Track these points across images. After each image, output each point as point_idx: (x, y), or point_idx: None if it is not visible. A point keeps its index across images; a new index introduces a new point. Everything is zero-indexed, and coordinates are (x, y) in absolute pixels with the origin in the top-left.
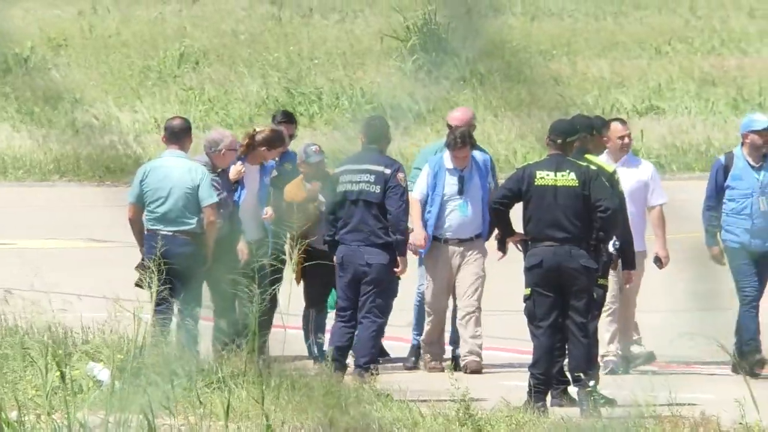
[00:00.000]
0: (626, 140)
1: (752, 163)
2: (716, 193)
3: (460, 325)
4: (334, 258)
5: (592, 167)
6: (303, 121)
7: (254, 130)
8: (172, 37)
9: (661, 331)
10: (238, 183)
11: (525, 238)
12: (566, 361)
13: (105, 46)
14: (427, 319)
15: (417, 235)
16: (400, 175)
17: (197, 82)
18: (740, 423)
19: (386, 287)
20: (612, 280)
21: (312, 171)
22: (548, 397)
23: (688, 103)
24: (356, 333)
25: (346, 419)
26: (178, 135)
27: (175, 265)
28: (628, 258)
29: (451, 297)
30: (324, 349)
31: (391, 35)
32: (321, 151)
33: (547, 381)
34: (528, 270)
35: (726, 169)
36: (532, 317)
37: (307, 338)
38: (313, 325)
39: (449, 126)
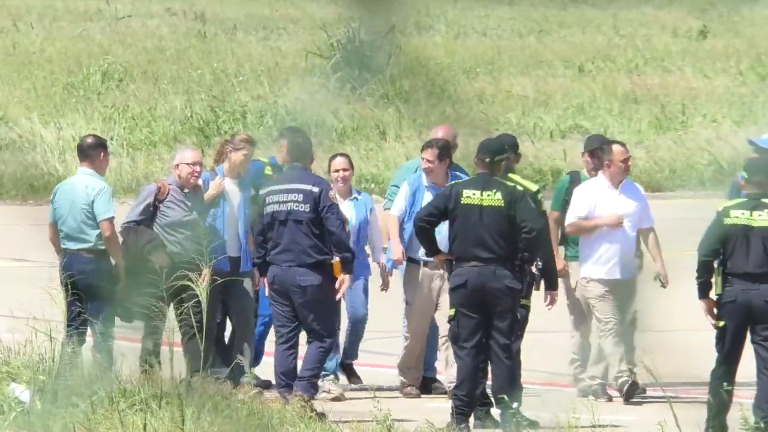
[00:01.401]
0: (628, 163)
1: None
2: None
3: (442, 350)
4: (264, 280)
5: (518, 187)
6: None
7: (229, 136)
8: (96, 54)
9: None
10: (222, 199)
11: (450, 257)
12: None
13: (28, 63)
14: (404, 344)
15: (395, 251)
16: (331, 194)
17: (121, 100)
18: None
19: (324, 308)
20: (608, 302)
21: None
22: (471, 419)
23: (611, 121)
24: (295, 354)
25: None
26: (87, 152)
27: (80, 283)
28: (551, 278)
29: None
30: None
31: (315, 52)
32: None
33: (470, 402)
34: (453, 290)
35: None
36: (455, 338)
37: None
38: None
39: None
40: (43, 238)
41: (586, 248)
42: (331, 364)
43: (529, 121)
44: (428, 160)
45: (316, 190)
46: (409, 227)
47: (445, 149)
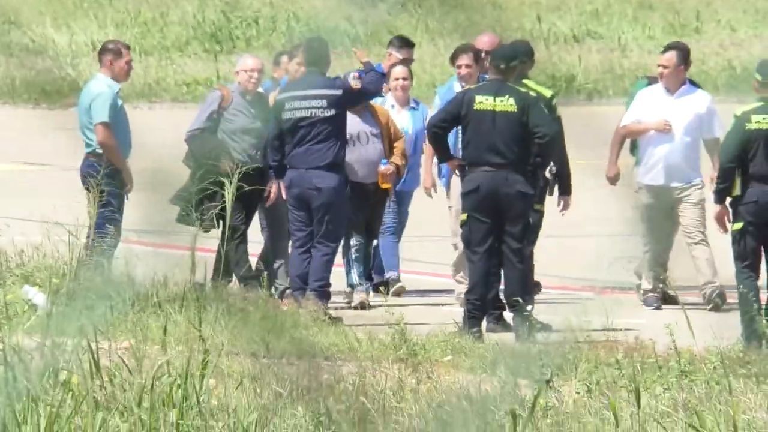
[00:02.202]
0: (680, 69)
1: None
2: None
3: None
4: (281, 183)
5: (531, 93)
6: (240, 45)
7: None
8: None
9: (596, 257)
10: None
11: (462, 162)
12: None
13: None
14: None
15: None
16: (352, 81)
17: (133, 5)
18: (671, 348)
19: (337, 211)
20: (695, 209)
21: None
22: (484, 323)
23: (625, 27)
24: (311, 258)
25: (282, 343)
26: (100, 56)
27: (86, 185)
28: (565, 184)
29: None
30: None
31: None
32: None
33: (482, 306)
34: (465, 195)
35: None
36: (468, 243)
37: (348, 269)
38: (355, 254)
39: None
40: (57, 144)
41: (640, 153)
42: (352, 276)
43: (544, 27)
44: (466, 65)
45: (338, 93)
46: (452, 137)
47: (478, 53)
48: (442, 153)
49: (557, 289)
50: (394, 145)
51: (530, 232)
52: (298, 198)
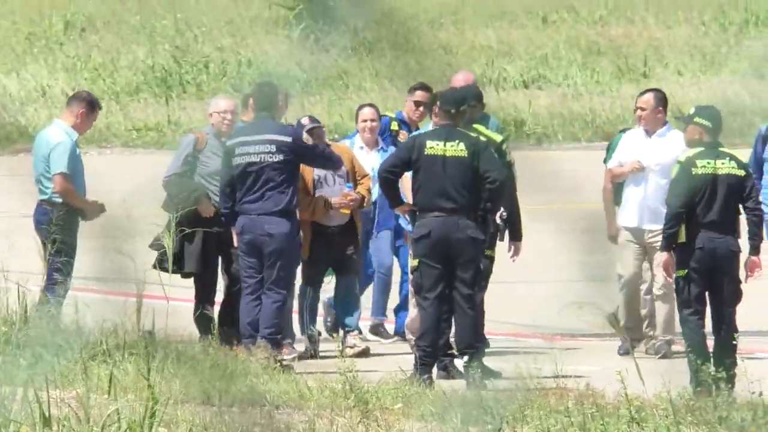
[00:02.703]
0: (658, 111)
1: None
2: (756, 165)
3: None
4: (233, 230)
5: (482, 138)
6: (190, 89)
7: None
8: (58, 4)
9: (547, 302)
10: None
11: (413, 208)
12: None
13: None
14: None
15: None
16: (305, 136)
17: (84, 50)
18: (623, 395)
19: (288, 258)
20: (628, 251)
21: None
22: (435, 369)
23: (574, 72)
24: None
25: (232, 392)
26: (69, 102)
27: (41, 234)
28: (515, 229)
29: None
30: (314, 327)
31: (278, 3)
32: (314, 119)
33: (433, 353)
34: (416, 241)
35: (765, 139)
36: (419, 289)
37: (301, 316)
38: (309, 303)
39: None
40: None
41: (620, 196)
42: (352, 319)
43: (494, 71)
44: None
45: (289, 140)
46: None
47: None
48: (393, 198)
49: (508, 335)
50: (360, 182)
51: (481, 278)
52: (249, 244)
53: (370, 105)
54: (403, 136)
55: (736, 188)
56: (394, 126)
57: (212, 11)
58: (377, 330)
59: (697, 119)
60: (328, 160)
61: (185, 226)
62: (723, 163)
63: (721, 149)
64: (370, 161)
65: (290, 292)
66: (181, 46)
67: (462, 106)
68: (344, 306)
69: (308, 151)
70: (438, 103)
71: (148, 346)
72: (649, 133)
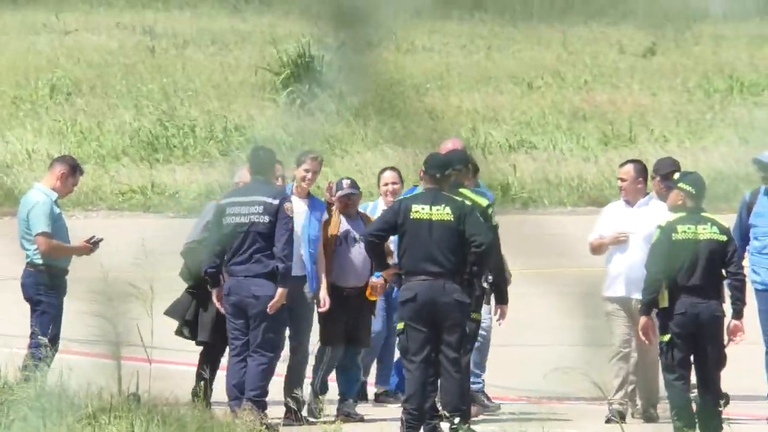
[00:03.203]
0: (638, 182)
1: None
2: (741, 232)
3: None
4: (214, 291)
5: (467, 202)
6: (177, 153)
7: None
8: (44, 68)
9: (534, 366)
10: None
11: (399, 271)
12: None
13: None
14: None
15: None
16: (287, 205)
17: (70, 114)
18: None
19: (274, 320)
20: (624, 323)
21: (342, 204)
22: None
23: (560, 137)
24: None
25: None
26: (52, 165)
27: (24, 296)
28: (501, 293)
29: None
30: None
31: (265, 68)
32: (353, 184)
33: (420, 416)
34: (402, 304)
35: (749, 206)
36: (405, 352)
37: (315, 374)
38: (326, 364)
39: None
40: None
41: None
42: (351, 388)
43: (479, 136)
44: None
45: (275, 202)
46: None
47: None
48: (379, 262)
49: (496, 399)
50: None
51: (467, 341)
52: (235, 306)
53: (392, 168)
54: None
55: (717, 253)
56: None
57: (198, 76)
58: (379, 398)
59: (681, 184)
60: (286, 241)
61: (200, 292)
62: (704, 229)
63: (703, 214)
64: None
65: (277, 354)
66: (167, 110)
67: (447, 170)
68: (345, 374)
69: (280, 220)
70: (423, 167)
71: (132, 409)
72: (630, 203)
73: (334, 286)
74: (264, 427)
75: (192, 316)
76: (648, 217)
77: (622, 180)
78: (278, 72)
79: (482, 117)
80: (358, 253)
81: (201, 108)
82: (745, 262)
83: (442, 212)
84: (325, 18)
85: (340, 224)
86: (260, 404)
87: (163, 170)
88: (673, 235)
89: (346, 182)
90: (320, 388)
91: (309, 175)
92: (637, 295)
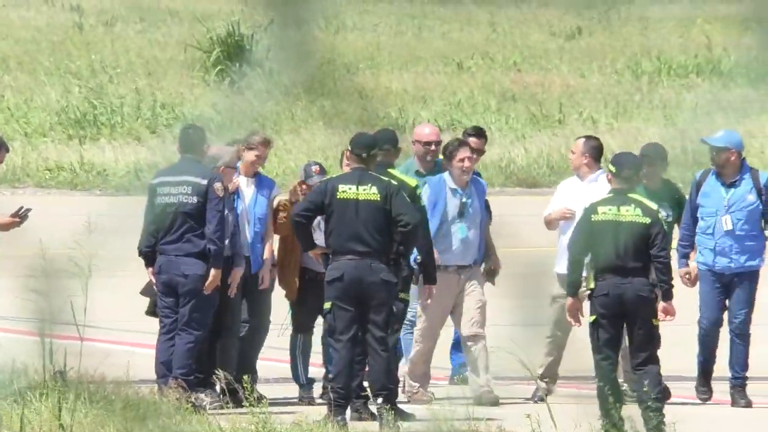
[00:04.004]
0: (585, 156)
1: (723, 180)
2: (691, 212)
3: (469, 353)
4: (151, 269)
5: (394, 182)
6: (105, 131)
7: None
8: None
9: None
10: (236, 197)
11: (326, 251)
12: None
13: None
14: (416, 348)
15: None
16: (217, 185)
17: None
18: None
19: (202, 299)
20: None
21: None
22: (348, 411)
23: (489, 118)
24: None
25: None
26: None
27: None
28: (429, 273)
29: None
30: (310, 375)
31: (194, 46)
32: (322, 171)
33: (346, 395)
34: (329, 284)
35: (699, 186)
36: (332, 331)
37: (294, 364)
38: (301, 350)
39: (420, 143)
40: None
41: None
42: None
43: (409, 116)
44: (468, 158)
45: (203, 182)
46: (432, 231)
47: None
48: (305, 242)
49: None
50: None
51: (394, 320)
52: (165, 284)
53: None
54: None
55: (639, 235)
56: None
57: (127, 53)
58: None
59: (609, 166)
60: (218, 222)
61: None
62: (627, 210)
63: (630, 195)
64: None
65: (204, 332)
66: (96, 87)
67: (373, 150)
68: (328, 356)
69: (210, 201)
70: (349, 146)
71: (59, 387)
72: (581, 178)
73: (306, 270)
74: (190, 405)
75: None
76: (597, 193)
77: (572, 153)
78: (208, 50)
79: (412, 97)
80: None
81: (129, 86)
82: None
83: (369, 192)
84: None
85: None
86: (187, 382)
87: (91, 148)
88: (592, 216)
89: (314, 168)
90: (307, 380)
91: (258, 159)
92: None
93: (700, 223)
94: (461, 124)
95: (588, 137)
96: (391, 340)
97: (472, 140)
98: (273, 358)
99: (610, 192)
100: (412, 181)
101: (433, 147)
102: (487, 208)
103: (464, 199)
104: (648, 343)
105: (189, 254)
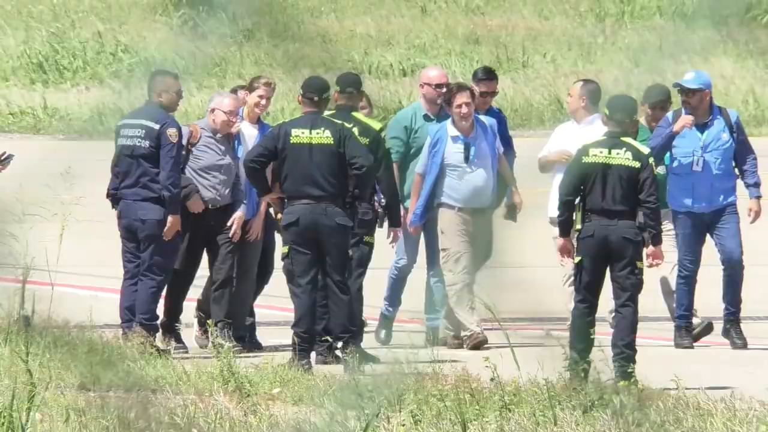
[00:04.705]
0: (581, 98)
1: (696, 121)
2: (662, 152)
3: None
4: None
5: (348, 124)
6: (67, 75)
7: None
8: None
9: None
10: (238, 142)
11: (282, 195)
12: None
13: None
14: (452, 288)
15: (408, 218)
16: (171, 131)
17: None
18: (492, 379)
19: (163, 243)
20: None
21: None
22: (313, 354)
23: (453, 61)
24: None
25: (109, 376)
26: None
27: None
28: (394, 216)
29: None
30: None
31: None
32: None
33: (310, 339)
34: (285, 228)
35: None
36: (290, 276)
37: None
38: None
39: (430, 86)
40: None
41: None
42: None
43: (373, 60)
44: (467, 104)
45: (156, 127)
46: (429, 179)
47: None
48: (260, 187)
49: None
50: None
51: (361, 264)
52: (126, 229)
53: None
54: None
55: (628, 179)
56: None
57: None
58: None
59: (604, 108)
60: (171, 168)
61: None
62: (618, 153)
63: (623, 139)
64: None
65: (167, 276)
66: (58, 31)
67: (324, 93)
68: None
69: (163, 147)
70: (301, 90)
71: (25, 331)
72: (577, 121)
73: None
74: (155, 349)
75: None
76: (593, 136)
77: (569, 96)
78: None
79: (375, 41)
80: None
81: (92, 29)
82: None
83: (322, 136)
84: None
85: None
86: (151, 327)
87: (53, 92)
88: (583, 157)
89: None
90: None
91: (263, 102)
92: None
93: (674, 165)
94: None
95: (586, 80)
96: (356, 284)
97: (483, 83)
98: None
99: (603, 134)
100: (376, 125)
101: (441, 89)
102: (509, 144)
103: (467, 144)
104: (630, 285)
105: (146, 199)
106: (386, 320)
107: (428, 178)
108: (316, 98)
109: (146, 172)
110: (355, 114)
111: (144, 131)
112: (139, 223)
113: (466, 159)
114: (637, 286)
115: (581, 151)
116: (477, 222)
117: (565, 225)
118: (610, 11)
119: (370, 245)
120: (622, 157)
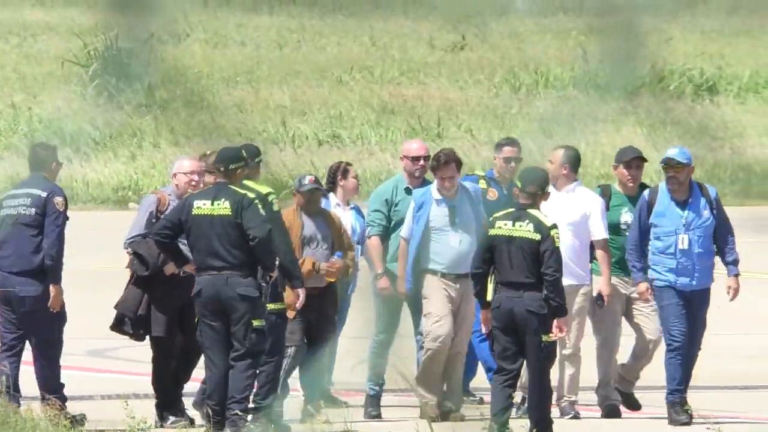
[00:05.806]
0: (563, 168)
1: (677, 198)
2: (640, 231)
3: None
4: None
5: (250, 194)
6: None
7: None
8: None
9: (341, 358)
10: None
11: (192, 268)
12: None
13: None
14: (425, 354)
15: (399, 283)
16: (58, 199)
17: None
18: None
19: (44, 319)
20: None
21: (305, 200)
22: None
23: (369, 131)
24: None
25: None
26: None
27: None
28: (292, 277)
29: None
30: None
31: (71, 60)
32: (316, 181)
33: (222, 411)
34: (193, 299)
35: (650, 205)
36: (202, 347)
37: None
38: (288, 365)
39: (408, 159)
40: None
41: None
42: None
43: (288, 130)
44: (450, 179)
45: (44, 195)
46: (413, 243)
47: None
48: (174, 258)
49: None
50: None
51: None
52: (3, 301)
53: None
54: (492, 194)
55: (530, 251)
56: (483, 184)
57: (3, 68)
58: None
59: (516, 180)
60: (56, 237)
61: (154, 287)
62: (521, 225)
63: (529, 211)
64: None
65: (58, 349)
66: None
67: (231, 164)
68: (310, 375)
69: (49, 215)
70: (212, 161)
71: None
72: (558, 189)
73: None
74: (67, 420)
75: (145, 310)
76: (574, 204)
77: (550, 163)
78: (85, 64)
79: (291, 111)
80: (320, 255)
81: (5, 101)
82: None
83: (222, 206)
84: (104, 6)
85: (304, 226)
86: (61, 398)
87: None
88: (490, 230)
89: (309, 178)
90: (281, 391)
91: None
92: (566, 280)
93: (657, 244)
94: (340, 138)
95: (567, 147)
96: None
97: (507, 149)
98: None
99: (513, 206)
100: (264, 189)
101: (421, 162)
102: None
103: (452, 207)
104: (537, 356)
105: (23, 272)
106: (372, 399)
107: (413, 242)
108: (222, 168)
109: (28, 241)
110: (247, 182)
111: (30, 199)
112: (17, 299)
113: (452, 223)
114: (546, 359)
115: (490, 223)
116: (461, 288)
117: (478, 297)
118: (525, 81)
119: (283, 315)
120: (524, 230)
